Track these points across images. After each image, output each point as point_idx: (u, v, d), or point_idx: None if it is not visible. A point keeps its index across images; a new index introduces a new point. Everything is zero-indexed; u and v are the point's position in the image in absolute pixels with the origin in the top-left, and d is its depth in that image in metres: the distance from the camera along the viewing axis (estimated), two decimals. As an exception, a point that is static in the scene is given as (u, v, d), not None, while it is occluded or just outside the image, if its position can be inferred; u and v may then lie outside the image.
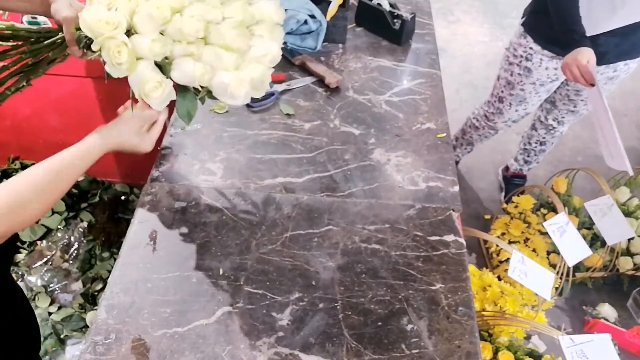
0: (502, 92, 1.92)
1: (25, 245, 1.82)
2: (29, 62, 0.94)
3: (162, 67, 0.82)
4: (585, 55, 1.43)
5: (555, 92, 1.92)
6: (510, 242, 2.05)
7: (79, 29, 0.80)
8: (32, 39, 0.95)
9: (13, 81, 0.96)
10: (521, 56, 1.76)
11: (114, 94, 1.82)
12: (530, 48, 1.71)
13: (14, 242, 1.12)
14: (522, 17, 1.76)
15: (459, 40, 3.43)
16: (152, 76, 0.80)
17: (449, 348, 0.88)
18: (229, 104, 0.87)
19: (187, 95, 0.86)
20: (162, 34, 0.80)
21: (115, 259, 1.05)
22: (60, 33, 0.91)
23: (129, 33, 0.79)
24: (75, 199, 1.98)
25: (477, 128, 2.19)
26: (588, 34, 1.47)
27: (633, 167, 2.25)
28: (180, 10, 0.81)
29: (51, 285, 1.83)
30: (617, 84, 1.74)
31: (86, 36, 0.79)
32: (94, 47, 0.78)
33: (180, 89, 0.85)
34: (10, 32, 0.95)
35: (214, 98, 0.86)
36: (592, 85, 1.44)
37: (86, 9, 0.79)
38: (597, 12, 1.46)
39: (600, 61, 1.52)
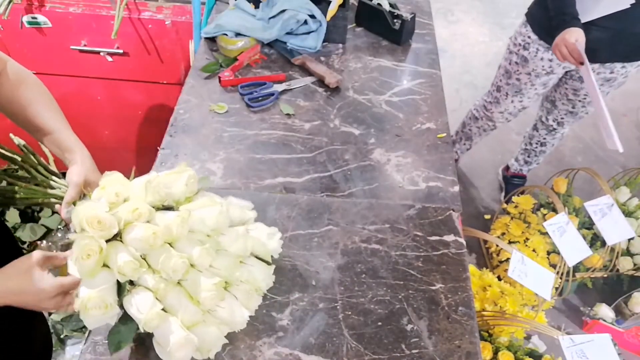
0: (501, 80, 1.96)
1: (25, 246, 1.82)
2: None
3: (121, 288, 0.74)
4: (574, 35, 1.44)
5: (555, 90, 1.93)
6: (510, 242, 2.05)
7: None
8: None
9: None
10: (520, 44, 1.78)
11: (114, 94, 1.82)
12: (529, 37, 1.73)
13: (18, 248, 1.11)
14: (529, 8, 1.78)
15: (459, 40, 3.43)
16: (103, 293, 0.71)
17: (449, 348, 0.88)
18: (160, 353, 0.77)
19: (128, 326, 0.76)
20: (143, 258, 0.74)
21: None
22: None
23: (115, 235, 0.74)
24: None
25: (476, 119, 2.20)
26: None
27: (633, 167, 2.27)
28: (174, 241, 0.76)
29: (51, 285, 1.83)
30: (616, 86, 1.74)
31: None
32: (77, 231, 0.74)
33: (124, 315, 0.76)
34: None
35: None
36: (581, 63, 1.44)
37: (84, 205, 0.74)
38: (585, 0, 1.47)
39: (593, 58, 1.53)
